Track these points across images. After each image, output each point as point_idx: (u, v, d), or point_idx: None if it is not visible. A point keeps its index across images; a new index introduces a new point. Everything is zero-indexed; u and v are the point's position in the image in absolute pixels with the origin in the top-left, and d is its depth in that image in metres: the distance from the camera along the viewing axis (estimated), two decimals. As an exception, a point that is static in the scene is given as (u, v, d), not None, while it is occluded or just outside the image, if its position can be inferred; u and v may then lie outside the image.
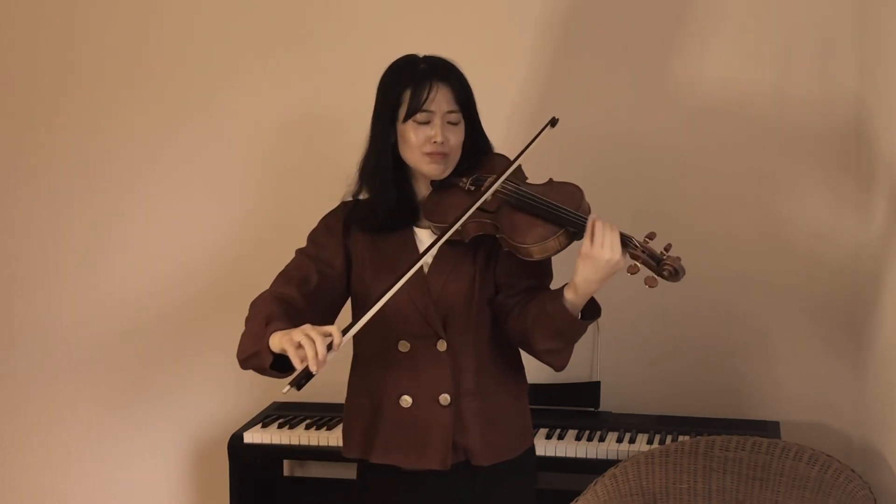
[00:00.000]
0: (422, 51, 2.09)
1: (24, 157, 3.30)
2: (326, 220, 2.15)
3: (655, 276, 1.89)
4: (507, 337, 2.07)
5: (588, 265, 1.89)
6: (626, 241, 1.90)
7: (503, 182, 2.00)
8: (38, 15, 3.26)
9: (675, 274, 1.87)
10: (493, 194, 1.99)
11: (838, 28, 2.76)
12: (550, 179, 2.07)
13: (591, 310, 2.00)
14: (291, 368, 1.84)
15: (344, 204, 2.14)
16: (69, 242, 3.30)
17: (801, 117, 2.80)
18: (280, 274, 2.10)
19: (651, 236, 1.92)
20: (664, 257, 1.88)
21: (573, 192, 2.00)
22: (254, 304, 2.03)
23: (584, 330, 1.98)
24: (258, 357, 1.90)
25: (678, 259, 1.88)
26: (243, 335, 1.98)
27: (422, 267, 2.05)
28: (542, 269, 2.09)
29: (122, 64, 3.21)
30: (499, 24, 2.96)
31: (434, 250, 1.99)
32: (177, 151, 3.20)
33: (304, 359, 1.77)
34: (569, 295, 1.93)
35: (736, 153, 2.85)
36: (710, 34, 2.85)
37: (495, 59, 2.92)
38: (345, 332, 1.83)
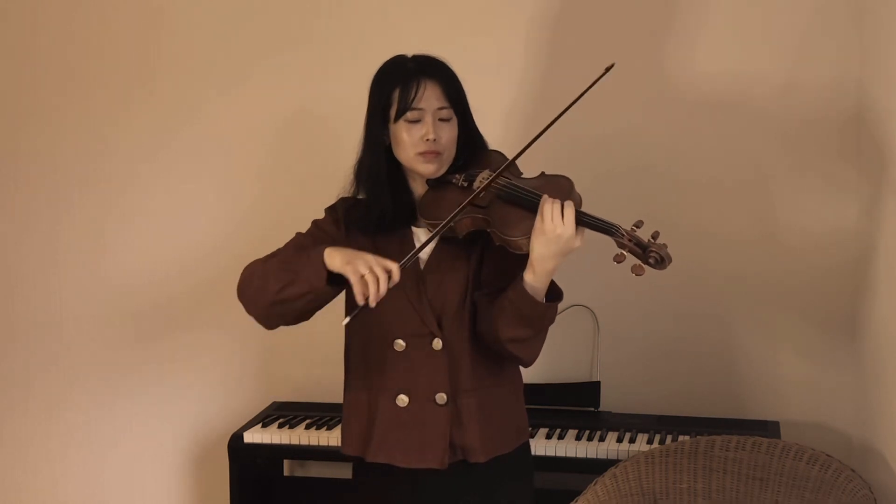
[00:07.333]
0: (421, 51, 2.08)
1: (25, 152, 3.30)
2: (331, 212, 2.13)
3: (642, 264, 1.89)
4: (479, 336, 2.05)
5: (540, 240, 1.90)
6: (612, 229, 1.90)
7: (496, 177, 2.00)
8: (39, 13, 3.26)
9: (662, 262, 1.87)
10: (486, 189, 1.99)
11: (839, 16, 2.75)
12: (542, 173, 2.06)
13: (554, 297, 2.00)
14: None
15: (343, 199, 2.13)
16: (68, 242, 3.30)
17: (801, 111, 2.79)
18: (275, 251, 2.08)
19: (638, 224, 1.92)
20: (650, 245, 1.88)
21: (563, 184, 1.99)
22: (249, 268, 2.02)
23: (547, 314, 1.97)
24: (307, 279, 1.89)
25: (664, 246, 1.88)
26: (266, 273, 1.96)
27: (418, 265, 2.05)
28: None
29: (121, 62, 3.21)
30: (496, 24, 2.95)
31: (430, 248, 2.00)
32: (176, 150, 3.20)
33: (365, 293, 1.82)
34: (527, 276, 1.94)
35: (735, 151, 2.84)
36: (706, 25, 2.83)
37: (493, 59, 2.92)
38: (402, 266, 1.88)
